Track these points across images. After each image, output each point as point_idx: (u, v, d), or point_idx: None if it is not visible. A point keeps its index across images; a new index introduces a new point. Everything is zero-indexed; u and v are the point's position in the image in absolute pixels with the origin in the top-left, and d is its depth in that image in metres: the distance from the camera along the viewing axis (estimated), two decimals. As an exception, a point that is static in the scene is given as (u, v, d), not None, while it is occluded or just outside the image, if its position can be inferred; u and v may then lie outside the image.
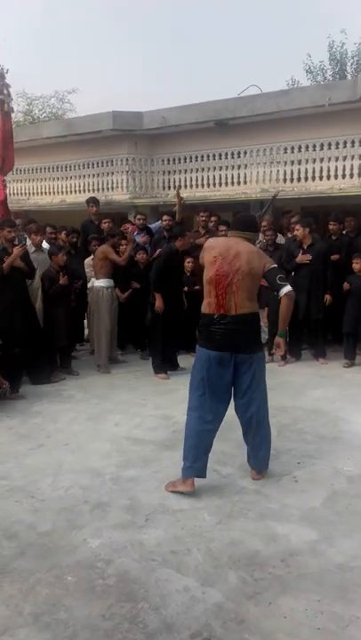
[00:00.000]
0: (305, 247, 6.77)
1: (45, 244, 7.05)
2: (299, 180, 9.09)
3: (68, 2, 41.24)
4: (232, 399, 3.75)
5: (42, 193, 11.98)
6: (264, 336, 7.37)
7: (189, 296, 6.85)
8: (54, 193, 11.75)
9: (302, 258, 6.71)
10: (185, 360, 6.68)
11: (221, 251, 3.62)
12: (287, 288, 3.63)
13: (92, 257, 7.17)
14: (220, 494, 3.62)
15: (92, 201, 8.42)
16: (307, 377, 6.39)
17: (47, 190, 11.87)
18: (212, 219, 7.65)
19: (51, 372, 6.42)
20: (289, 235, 7.54)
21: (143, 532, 3.19)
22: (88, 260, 7.31)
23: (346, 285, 6.68)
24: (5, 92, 8.25)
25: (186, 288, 6.93)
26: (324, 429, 4.75)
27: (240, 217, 4.00)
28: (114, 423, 5.01)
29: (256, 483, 3.77)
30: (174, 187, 10.30)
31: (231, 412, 3.79)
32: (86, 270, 7.31)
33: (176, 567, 2.86)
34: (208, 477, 3.83)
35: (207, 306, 3.64)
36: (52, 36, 39.29)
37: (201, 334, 3.71)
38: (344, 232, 7.40)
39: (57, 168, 11.64)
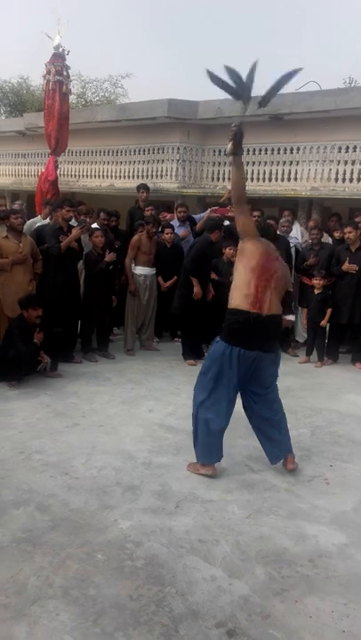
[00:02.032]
0: (353, 250, 6.67)
1: (95, 226, 7.13)
2: (351, 180, 8.94)
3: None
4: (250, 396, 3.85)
5: (91, 176, 12.08)
6: (303, 334, 7.38)
7: (218, 286, 6.80)
8: (104, 177, 11.83)
9: (349, 267, 6.61)
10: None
11: (267, 249, 3.70)
12: (290, 317, 3.94)
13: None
14: (251, 489, 3.64)
15: (143, 187, 8.47)
16: (343, 380, 6.32)
17: (97, 174, 11.96)
18: (255, 214, 7.58)
19: (84, 352, 6.54)
20: (336, 235, 7.44)
21: (173, 519, 3.23)
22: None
23: None
24: (65, 73, 8.37)
25: (215, 277, 6.88)
26: (358, 434, 4.70)
27: (268, 227, 4.12)
28: (148, 409, 5.07)
29: (287, 481, 3.76)
30: (223, 178, 10.27)
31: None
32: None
33: (204, 556, 2.89)
34: (239, 472, 3.88)
35: (242, 299, 3.57)
36: (112, 20, 39.36)
37: (230, 330, 3.64)
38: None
39: (108, 152, 11.71)
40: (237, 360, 3.59)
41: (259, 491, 3.63)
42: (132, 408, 5.09)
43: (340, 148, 9.01)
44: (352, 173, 8.92)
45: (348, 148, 8.93)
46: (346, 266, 6.63)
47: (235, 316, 3.61)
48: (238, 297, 3.61)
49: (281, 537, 3.10)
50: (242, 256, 3.68)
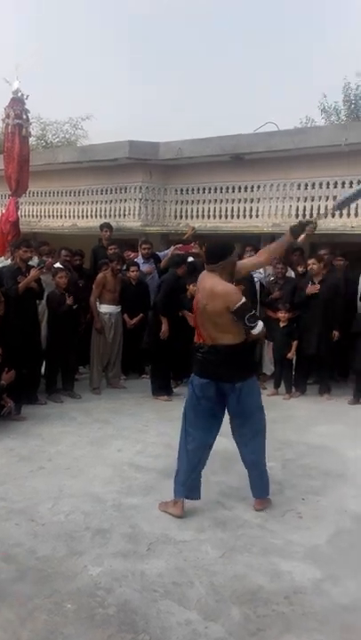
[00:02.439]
0: (316, 282, 6.80)
1: (58, 266, 7.10)
2: (311, 216, 9.15)
3: (83, 29, 42.28)
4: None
5: (54, 216, 12.09)
6: (271, 367, 7.42)
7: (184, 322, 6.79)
8: (66, 217, 11.86)
9: (311, 289, 6.72)
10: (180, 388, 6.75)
11: (199, 285, 3.78)
12: (258, 329, 3.60)
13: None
14: (224, 527, 3.56)
15: (107, 226, 8.54)
16: (312, 412, 6.35)
17: (59, 214, 11.98)
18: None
19: (49, 393, 6.42)
20: (299, 269, 7.58)
21: (145, 562, 3.13)
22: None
23: None
24: (24, 116, 8.45)
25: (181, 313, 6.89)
26: (330, 466, 4.69)
27: (208, 248, 3.99)
28: (116, 448, 4.97)
29: (260, 517, 3.71)
30: (185, 216, 10.42)
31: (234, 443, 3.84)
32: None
33: (178, 599, 2.80)
34: (211, 509, 3.80)
35: (196, 334, 3.83)
36: (66, 62, 40.15)
37: (193, 360, 3.85)
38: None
39: (70, 193, 11.77)
40: (201, 389, 3.71)
41: (232, 528, 3.56)
42: (100, 448, 4.98)
43: (298, 186, 9.26)
44: (311, 209, 9.15)
45: (306, 185, 9.19)
46: (309, 288, 6.72)
47: (195, 348, 3.80)
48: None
49: (256, 575, 3.03)
50: None
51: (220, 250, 3.74)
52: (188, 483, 3.74)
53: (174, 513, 3.69)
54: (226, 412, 3.82)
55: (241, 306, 3.55)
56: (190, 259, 7.12)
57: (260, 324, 3.63)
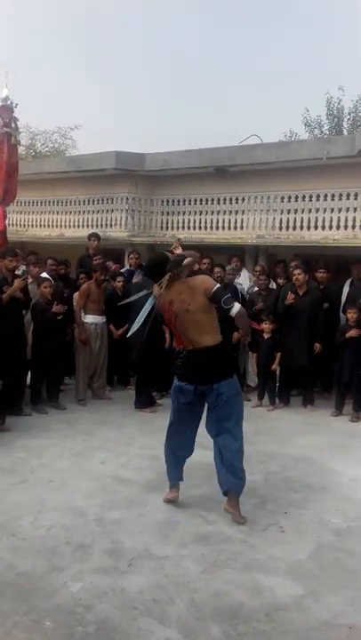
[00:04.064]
0: (300, 294, 6.83)
1: (45, 275, 7.08)
2: (294, 228, 9.24)
3: (71, 39, 42.47)
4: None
5: (41, 225, 12.07)
6: (255, 379, 7.43)
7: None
8: (53, 226, 11.85)
9: (289, 298, 6.75)
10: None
11: (164, 303, 3.89)
12: (235, 309, 3.80)
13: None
14: (206, 542, 3.55)
15: (95, 236, 8.54)
16: (295, 424, 6.37)
17: (46, 223, 11.97)
18: (205, 261, 7.72)
19: (34, 404, 6.39)
20: (279, 281, 7.63)
21: (125, 578, 3.12)
22: (75, 295, 7.27)
23: (354, 332, 6.52)
24: (13, 125, 8.42)
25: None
26: (312, 479, 4.70)
27: (150, 265, 4.14)
28: (100, 461, 4.95)
29: (242, 532, 3.70)
30: (172, 227, 10.46)
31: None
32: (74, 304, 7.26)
33: (158, 617, 2.78)
34: (193, 523, 3.81)
35: (174, 341, 4.07)
36: (56, 72, 40.32)
37: (175, 368, 4.02)
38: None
39: (57, 202, 11.77)
40: (181, 392, 3.92)
41: (214, 542, 3.55)
42: (84, 461, 4.95)
43: (282, 198, 9.34)
44: (295, 222, 9.23)
45: (290, 197, 9.27)
46: (288, 298, 6.74)
47: (175, 355, 3.99)
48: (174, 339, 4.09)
49: (237, 591, 3.03)
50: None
51: (158, 264, 3.95)
52: (177, 472, 4.09)
53: (168, 497, 4.04)
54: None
55: (217, 289, 3.82)
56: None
57: (237, 305, 3.83)
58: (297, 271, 6.88)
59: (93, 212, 11.13)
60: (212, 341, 3.82)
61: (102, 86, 39.67)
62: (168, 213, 10.58)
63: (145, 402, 6.67)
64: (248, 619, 2.80)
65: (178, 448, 4.07)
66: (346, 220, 8.74)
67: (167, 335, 6.65)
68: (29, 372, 6.53)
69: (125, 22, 44.59)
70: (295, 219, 9.22)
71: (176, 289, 3.85)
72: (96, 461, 4.94)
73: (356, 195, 8.62)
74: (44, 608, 2.82)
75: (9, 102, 8.30)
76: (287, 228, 9.31)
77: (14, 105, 8.35)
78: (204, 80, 41.55)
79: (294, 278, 6.90)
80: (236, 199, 9.79)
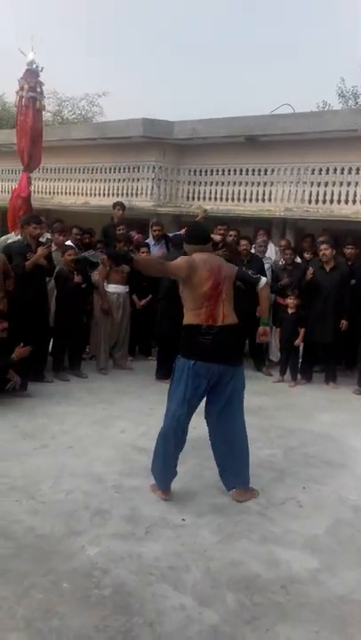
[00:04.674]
0: (327, 270, 6.70)
1: (69, 244, 7.06)
2: (324, 202, 9.05)
3: (102, 9, 41.68)
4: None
5: (66, 193, 12.03)
6: (277, 353, 7.38)
7: None
8: (78, 194, 11.80)
9: (308, 274, 6.62)
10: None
11: (211, 265, 3.65)
12: (263, 280, 3.82)
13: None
14: (222, 513, 3.56)
15: (119, 205, 8.46)
16: (316, 400, 6.32)
17: (72, 191, 11.93)
18: (232, 233, 7.60)
19: (56, 371, 6.44)
20: (306, 255, 7.48)
21: (142, 545, 3.14)
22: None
23: None
24: (39, 89, 8.31)
25: None
26: (332, 455, 4.67)
27: (195, 231, 3.93)
28: (120, 430, 4.97)
29: (259, 504, 3.70)
30: (198, 198, 10.32)
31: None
32: (92, 274, 7.17)
33: (173, 584, 2.80)
34: (209, 494, 3.81)
35: (194, 317, 3.62)
36: (87, 38, 39.70)
37: (185, 345, 3.67)
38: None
39: (83, 170, 11.70)
40: (197, 373, 3.57)
41: (230, 514, 3.56)
42: (104, 429, 4.98)
43: (313, 170, 9.13)
44: (325, 195, 9.03)
45: (321, 170, 9.05)
46: (308, 273, 6.62)
47: (187, 330, 3.66)
48: (190, 315, 3.65)
49: (253, 562, 3.03)
50: (186, 285, 3.67)
51: (206, 233, 3.92)
52: (170, 472, 3.72)
53: (161, 496, 3.68)
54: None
55: (239, 269, 3.85)
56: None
57: (264, 279, 3.83)
58: (323, 246, 6.70)
59: (119, 180, 11.04)
60: (237, 320, 3.71)
61: (132, 55, 38.98)
62: (195, 183, 10.44)
63: (166, 372, 6.66)
64: (263, 590, 2.81)
65: (177, 447, 3.68)
66: (378, 194, 8.53)
67: None
68: (52, 340, 6.57)
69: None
70: (325, 192, 9.03)
71: (216, 258, 3.78)
72: (116, 430, 4.97)
73: (389, 168, 8.39)
74: (61, 570, 2.86)
75: (34, 66, 8.18)
76: (317, 201, 9.13)
77: (40, 69, 8.22)
78: (236, 50, 40.55)
79: (321, 254, 6.73)
80: (265, 170, 9.60)
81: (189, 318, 3.65)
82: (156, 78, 39.70)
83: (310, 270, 6.63)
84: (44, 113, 8.84)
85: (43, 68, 8.17)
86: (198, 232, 3.88)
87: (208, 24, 43.01)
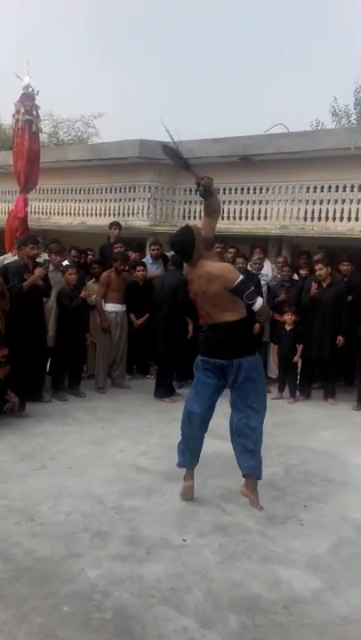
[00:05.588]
0: (324, 286, 6.73)
1: (66, 263, 7.08)
2: (319, 219, 9.12)
3: (98, 29, 42.36)
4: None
5: (63, 213, 12.10)
6: (276, 370, 7.37)
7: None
8: (75, 214, 11.87)
9: (313, 289, 6.66)
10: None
11: (191, 276, 3.89)
12: (258, 304, 3.74)
13: (92, 280, 7.15)
14: (224, 533, 3.53)
15: (116, 224, 8.51)
16: (316, 417, 6.30)
17: (68, 211, 12.00)
18: (230, 250, 7.65)
19: (55, 391, 6.42)
20: (301, 272, 7.52)
21: (143, 566, 3.11)
22: (90, 284, 7.09)
23: None
24: (35, 113, 8.41)
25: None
26: (333, 473, 4.65)
27: (177, 244, 3.94)
28: (118, 449, 4.95)
29: (261, 523, 3.67)
30: (194, 217, 10.39)
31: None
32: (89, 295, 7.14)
33: (175, 606, 2.77)
34: (211, 513, 3.78)
35: (200, 316, 4.10)
36: (81, 61, 40.25)
37: (198, 343, 4.15)
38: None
39: (80, 190, 11.78)
40: (202, 367, 3.93)
41: (232, 533, 3.53)
42: (103, 448, 4.96)
43: (308, 188, 9.21)
44: (320, 212, 9.11)
45: (315, 188, 9.14)
46: (312, 288, 6.66)
47: (199, 330, 4.16)
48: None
49: (254, 583, 3.00)
50: None
51: (187, 244, 3.82)
52: (188, 453, 3.98)
53: (186, 485, 3.96)
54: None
55: (239, 284, 3.66)
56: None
57: (260, 300, 3.77)
58: (318, 266, 6.75)
59: (115, 200, 11.11)
60: (233, 317, 3.77)
61: (128, 76, 39.52)
62: (191, 202, 10.52)
63: (165, 391, 6.67)
64: (266, 611, 2.77)
65: (194, 414, 3.92)
66: (373, 211, 8.60)
67: (190, 327, 6.65)
68: (50, 359, 6.56)
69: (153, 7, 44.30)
70: (320, 209, 9.10)
71: (198, 270, 3.81)
72: (115, 449, 4.94)
73: (383, 186, 8.47)
74: (61, 593, 2.83)
75: (30, 90, 8.29)
76: (312, 218, 9.20)
77: (35, 93, 8.34)
78: (228, 69, 41.15)
79: (316, 273, 6.79)
80: (261, 189, 9.69)
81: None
82: (149, 100, 40.19)
83: (315, 286, 6.66)
84: (40, 135, 8.93)
85: (38, 92, 8.29)
86: (176, 258, 4.29)
87: (198, 47, 43.67)
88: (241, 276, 3.73)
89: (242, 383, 3.76)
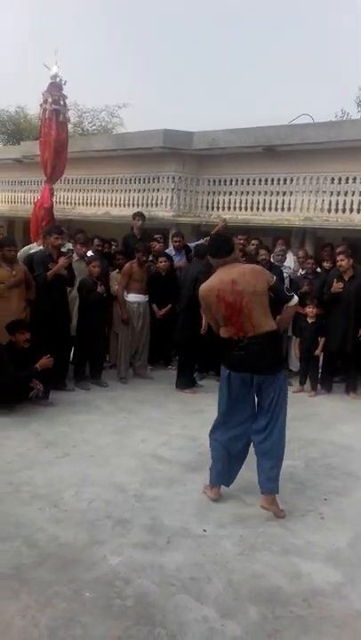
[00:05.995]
0: (346, 279, 6.67)
1: (91, 254, 7.13)
2: (343, 211, 9.03)
3: (126, 20, 42.19)
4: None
5: (87, 204, 12.17)
6: (297, 363, 7.35)
7: None
8: (99, 205, 11.93)
9: (336, 286, 6.60)
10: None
11: (220, 286, 3.64)
12: (295, 300, 3.82)
13: (116, 271, 7.20)
14: (244, 524, 3.56)
15: (139, 215, 8.52)
16: (337, 410, 6.28)
17: (93, 201, 12.06)
18: (253, 242, 7.61)
19: (77, 380, 6.50)
20: (325, 265, 7.45)
21: (164, 555, 3.15)
22: (114, 274, 7.21)
23: None
24: (62, 102, 8.42)
25: None
26: (353, 466, 4.64)
27: (217, 243, 3.88)
28: (140, 439, 5.00)
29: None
30: (217, 207, 10.37)
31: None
32: (111, 284, 7.13)
33: (196, 595, 2.81)
34: (231, 504, 3.81)
35: (225, 331, 3.70)
36: (109, 50, 40.18)
37: (223, 356, 3.79)
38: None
39: (104, 180, 11.82)
40: (239, 383, 3.70)
41: (252, 525, 3.55)
42: (125, 438, 5.01)
43: (332, 179, 9.12)
44: (345, 204, 9.01)
45: (340, 179, 9.04)
46: (334, 285, 6.61)
47: (223, 343, 3.75)
48: (222, 330, 3.73)
49: (275, 575, 3.02)
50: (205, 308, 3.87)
51: (229, 243, 3.84)
52: (224, 475, 3.87)
53: (210, 496, 3.86)
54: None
55: (276, 280, 3.73)
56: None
57: (296, 297, 3.82)
58: (340, 257, 6.68)
59: (139, 190, 11.13)
60: (272, 326, 3.66)
61: (153, 67, 39.34)
62: (214, 193, 10.49)
63: (186, 382, 6.69)
64: (286, 603, 2.80)
65: (228, 442, 3.79)
66: None
67: (203, 321, 6.58)
68: (73, 349, 6.63)
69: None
70: (345, 201, 9.01)
71: (236, 269, 3.68)
72: (136, 439, 4.99)
73: None
74: (84, 579, 2.89)
75: (58, 79, 8.30)
76: (336, 210, 9.11)
77: (63, 82, 8.35)
78: (254, 59, 40.67)
79: (338, 264, 6.72)
80: (285, 180, 9.62)
81: (222, 332, 3.74)
82: (174, 90, 40.01)
83: (339, 285, 6.58)
84: (67, 124, 8.96)
85: (66, 82, 8.30)
86: (220, 245, 3.81)
87: (227, 39, 43.26)
88: (274, 276, 3.81)
89: (277, 400, 3.66)
